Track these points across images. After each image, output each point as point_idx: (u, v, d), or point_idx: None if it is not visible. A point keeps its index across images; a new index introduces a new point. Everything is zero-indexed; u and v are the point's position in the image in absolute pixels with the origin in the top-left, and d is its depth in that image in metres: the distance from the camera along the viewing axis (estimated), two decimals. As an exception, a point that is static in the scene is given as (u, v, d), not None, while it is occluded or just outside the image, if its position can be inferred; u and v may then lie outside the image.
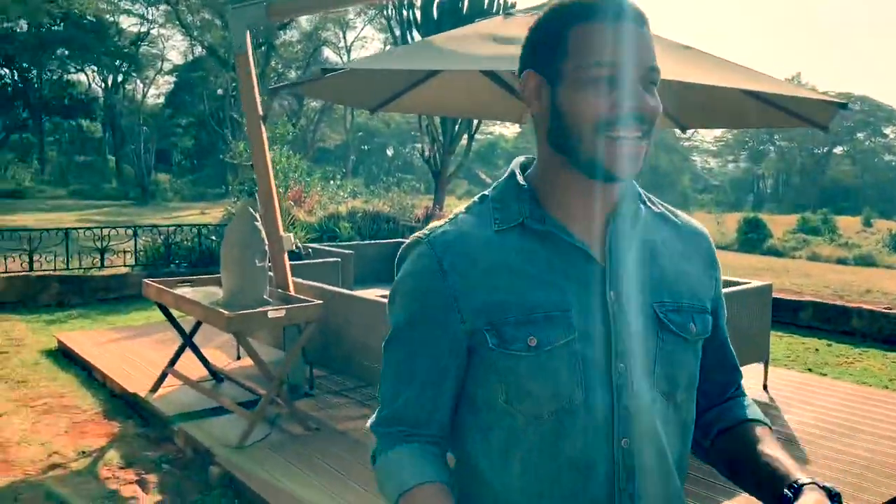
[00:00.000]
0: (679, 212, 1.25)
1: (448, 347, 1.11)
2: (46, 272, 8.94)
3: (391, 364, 1.16)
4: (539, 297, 1.08)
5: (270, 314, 4.29)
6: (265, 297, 4.67)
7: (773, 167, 58.87)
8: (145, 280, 5.15)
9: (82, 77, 41.51)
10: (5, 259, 8.88)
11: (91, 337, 6.86)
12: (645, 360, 1.10)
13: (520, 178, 1.15)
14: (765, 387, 5.39)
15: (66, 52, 37.70)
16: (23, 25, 35.96)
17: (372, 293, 5.51)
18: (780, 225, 25.90)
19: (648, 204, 1.20)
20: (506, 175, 1.18)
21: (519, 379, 1.08)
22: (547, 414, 1.07)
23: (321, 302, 4.56)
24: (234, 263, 4.63)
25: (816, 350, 7.21)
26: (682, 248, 1.20)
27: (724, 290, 4.94)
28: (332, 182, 21.60)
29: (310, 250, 6.46)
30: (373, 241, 9.07)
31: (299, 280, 5.29)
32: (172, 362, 5.24)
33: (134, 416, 5.07)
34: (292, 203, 11.21)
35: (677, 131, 6.72)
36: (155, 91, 49.14)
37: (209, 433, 4.45)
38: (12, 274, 8.71)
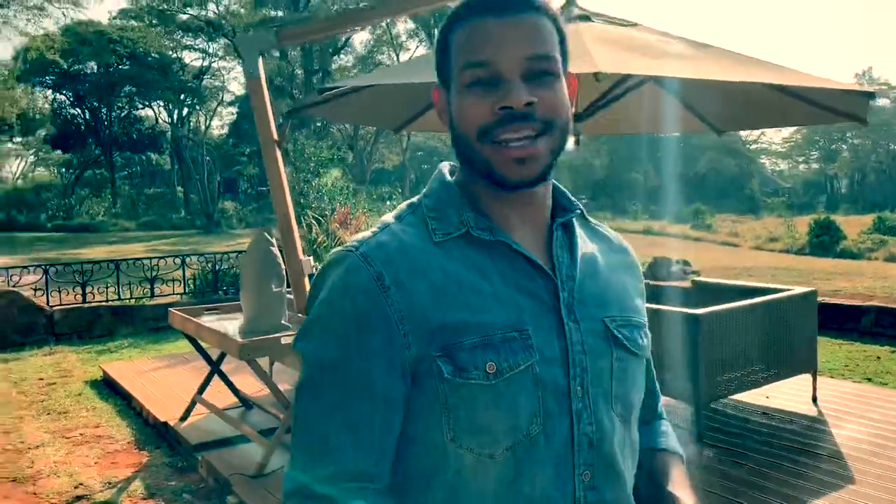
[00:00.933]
0: (603, 224, 1.19)
1: (396, 379, 0.94)
2: (99, 303, 9.18)
3: (324, 408, 0.93)
4: (495, 317, 0.95)
5: (283, 340, 4.24)
6: (283, 321, 4.63)
7: (847, 166, 56.68)
8: (170, 309, 5.20)
9: (149, 112, 43.15)
10: (60, 292, 9.16)
11: (134, 366, 6.98)
12: (601, 381, 1.00)
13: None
14: (814, 399, 5.05)
15: (133, 90, 39.26)
16: (92, 66, 37.66)
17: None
18: (854, 226, 24.88)
19: (583, 214, 1.14)
20: (436, 180, 1.06)
21: (473, 412, 0.93)
22: (502, 451, 0.93)
23: (336, 325, 4.49)
24: (251, 290, 4.62)
25: (878, 358, 6.77)
26: (617, 262, 1.13)
27: (766, 298, 4.71)
28: (388, 203, 21.73)
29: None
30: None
31: (322, 303, 5.24)
32: (201, 390, 5.25)
33: (163, 445, 5.10)
34: (338, 225, 11.26)
35: (745, 133, 6.46)
36: (219, 122, 50.61)
37: (230, 462, 4.42)
38: (66, 307, 8.97)
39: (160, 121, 43.56)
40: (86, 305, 9.06)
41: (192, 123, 44.35)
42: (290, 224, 4.98)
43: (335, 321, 0.93)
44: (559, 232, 1.04)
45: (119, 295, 9.46)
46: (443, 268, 0.96)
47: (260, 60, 4.90)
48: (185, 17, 36.22)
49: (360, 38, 40.21)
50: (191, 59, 45.76)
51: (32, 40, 28.70)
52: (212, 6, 35.80)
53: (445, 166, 1.09)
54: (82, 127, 39.30)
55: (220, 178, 37.70)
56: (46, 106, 38.51)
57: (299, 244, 5.03)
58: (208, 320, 4.94)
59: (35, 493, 4.31)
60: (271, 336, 4.28)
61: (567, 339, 0.98)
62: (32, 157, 54.66)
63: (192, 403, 5.23)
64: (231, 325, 4.81)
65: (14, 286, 8.88)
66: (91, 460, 4.84)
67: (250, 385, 5.86)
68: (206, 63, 41.47)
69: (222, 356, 5.25)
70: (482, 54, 0.95)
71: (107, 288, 9.41)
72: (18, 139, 45.49)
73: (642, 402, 1.15)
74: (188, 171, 38.77)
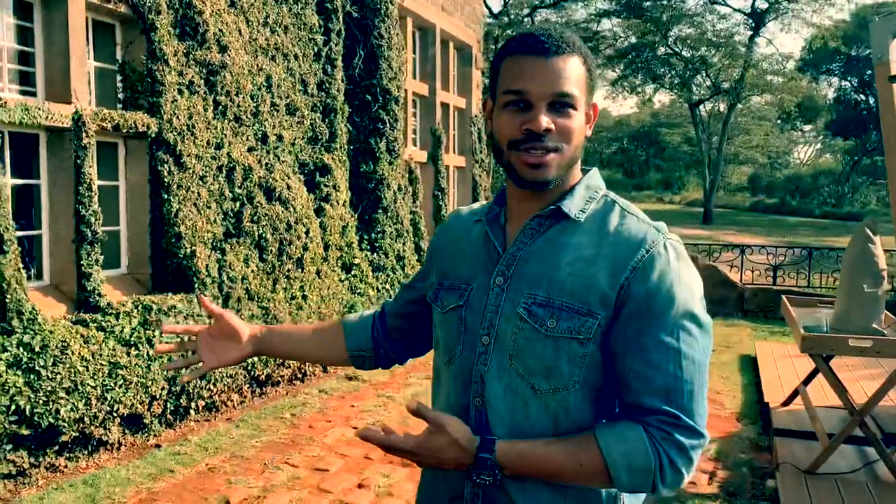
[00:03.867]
0: (633, 220, 1.28)
1: (423, 278, 1.54)
2: (788, 287, 9.53)
3: None
4: (461, 272, 1.38)
5: (851, 342, 4.01)
6: (875, 325, 4.32)
7: None
8: (783, 297, 5.33)
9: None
10: (752, 273, 9.87)
11: (782, 349, 7.21)
12: (504, 340, 1.28)
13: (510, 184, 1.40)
14: None
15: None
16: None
17: None
18: None
19: (598, 210, 1.29)
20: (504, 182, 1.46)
21: (436, 329, 1.44)
22: (446, 360, 1.38)
23: (922, 339, 3.96)
24: (843, 286, 4.45)
25: None
26: (594, 254, 1.24)
27: None
28: None
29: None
30: None
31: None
32: (806, 381, 5.26)
33: (759, 423, 5.34)
34: None
35: None
36: None
37: (793, 452, 4.44)
38: (756, 286, 9.63)
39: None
40: (774, 287, 9.54)
41: None
42: (908, 222, 4.53)
43: None
44: (533, 222, 1.31)
45: (808, 282, 9.60)
46: (460, 235, 1.44)
47: (893, 44, 4.57)
48: None
49: None
50: None
51: (818, 30, 29.53)
52: None
53: None
54: (864, 112, 38.44)
55: None
56: (829, 93, 38.99)
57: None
58: (802, 311, 4.93)
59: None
60: (837, 335, 4.10)
61: (488, 298, 1.30)
62: (819, 144, 56.07)
63: (795, 392, 5.30)
64: (816, 319, 4.72)
65: (714, 261, 9.99)
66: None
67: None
68: None
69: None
70: (519, 84, 1.23)
71: (797, 274, 9.66)
72: (808, 127, 47.40)
73: (632, 398, 1.22)
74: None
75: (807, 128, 49.72)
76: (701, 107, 32.14)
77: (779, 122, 43.99)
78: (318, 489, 4.11)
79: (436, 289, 1.43)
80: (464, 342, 1.32)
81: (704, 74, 29.06)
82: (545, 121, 1.21)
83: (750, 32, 28.26)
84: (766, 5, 27.89)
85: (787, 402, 5.36)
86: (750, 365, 7.06)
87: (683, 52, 28.81)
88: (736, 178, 50.20)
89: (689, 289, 1.22)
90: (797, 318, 4.62)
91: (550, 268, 1.26)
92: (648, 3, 27.69)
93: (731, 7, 52.49)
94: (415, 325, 1.57)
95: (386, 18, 7.22)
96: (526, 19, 32.08)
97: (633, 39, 30.11)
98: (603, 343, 1.24)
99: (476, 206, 1.49)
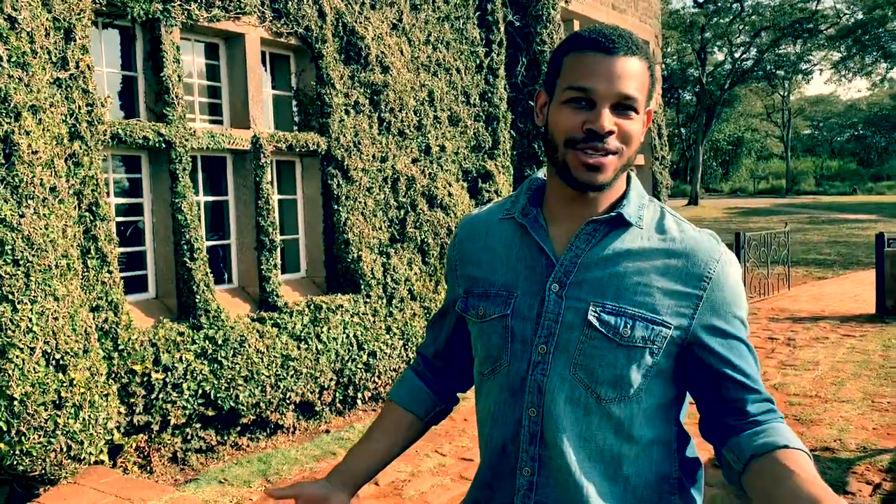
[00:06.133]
0: (690, 229, 1.30)
1: (451, 301, 1.46)
2: None
3: None
4: (498, 278, 1.32)
5: None
6: None
7: None
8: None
9: None
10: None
11: None
12: (567, 348, 1.24)
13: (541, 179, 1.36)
14: None
15: None
16: None
17: None
18: None
19: (653, 217, 1.30)
20: (530, 178, 1.40)
21: (473, 339, 1.39)
22: (487, 371, 1.33)
23: None
24: None
25: None
26: (663, 264, 1.25)
27: None
28: None
29: None
30: None
31: None
32: None
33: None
34: None
35: None
36: None
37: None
38: None
39: None
40: None
41: None
42: None
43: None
44: (588, 227, 1.27)
45: None
46: (487, 237, 1.37)
47: None
48: None
49: None
50: None
51: None
52: None
53: (542, 171, 1.39)
54: None
55: None
56: None
57: None
58: None
59: (801, 434, 4.92)
60: None
61: (544, 306, 1.25)
62: None
63: None
64: None
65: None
66: (871, 424, 5.05)
67: None
68: None
69: None
70: (584, 82, 1.19)
71: None
72: None
73: (739, 397, 1.23)
74: None
75: None
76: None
77: None
78: (460, 477, 4.37)
79: (464, 297, 1.38)
80: (511, 351, 1.28)
81: (949, 47, 25.72)
82: (609, 121, 1.18)
83: None
84: None
85: None
86: (961, 372, 6.30)
87: (922, 24, 25.73)
88: None
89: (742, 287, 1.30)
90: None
91: (616, 276, 1.24)
92: (877, -26, 25.09)
93: None
94: (461, 351, 1.51)
95: (548, 24, 7.36)
96: (735, 5, 30.36)
97: (860, 15, 27.39)
98: (678, 355, 1.25)
99: (490, 206, 1.43)
